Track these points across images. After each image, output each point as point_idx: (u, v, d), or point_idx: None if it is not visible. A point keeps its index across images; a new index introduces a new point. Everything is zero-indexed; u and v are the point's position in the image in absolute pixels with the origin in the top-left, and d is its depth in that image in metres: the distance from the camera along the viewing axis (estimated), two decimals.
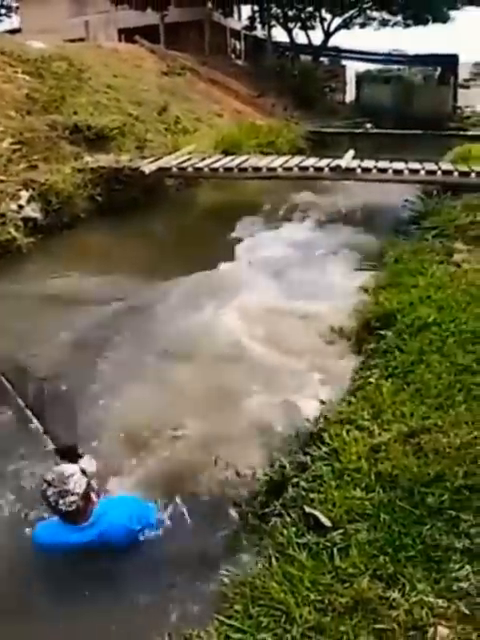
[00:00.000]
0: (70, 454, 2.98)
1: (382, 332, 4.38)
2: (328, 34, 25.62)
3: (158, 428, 3.71)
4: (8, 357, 4.59)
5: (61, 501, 2.73)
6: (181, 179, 10.32)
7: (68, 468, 2.83)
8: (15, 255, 7.06)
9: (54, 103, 10.99)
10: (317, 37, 26.17)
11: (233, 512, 3.00)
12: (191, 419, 3.79)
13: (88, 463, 2.93)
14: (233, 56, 25.54)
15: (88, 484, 2.82)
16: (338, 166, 9.50)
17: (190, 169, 9.61)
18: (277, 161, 10.15)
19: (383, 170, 9.45)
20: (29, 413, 3.93)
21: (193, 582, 2.63)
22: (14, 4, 29.64)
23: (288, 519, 2.57)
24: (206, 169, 9.68)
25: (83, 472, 2.82)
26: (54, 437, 3.62)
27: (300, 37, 25.97)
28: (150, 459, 3.47)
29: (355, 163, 9.75)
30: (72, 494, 2.74)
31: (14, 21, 29.37)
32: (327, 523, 2.49)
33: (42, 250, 7.30)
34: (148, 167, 9.08)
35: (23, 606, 2.69)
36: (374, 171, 9.49)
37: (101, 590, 2.64)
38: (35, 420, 3.85)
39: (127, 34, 22.12)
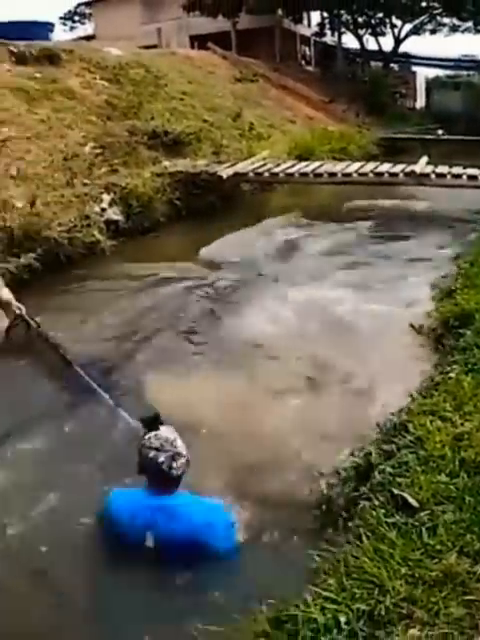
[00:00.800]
0: (154, 423, 2.90)
1: (461, 331, 4.50)
2: (398, 40, 25.32)
3: (241, 413, 3.83)
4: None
5: (174, 464, 2.69)
6: (256, 184, 10.37)
7: (169, 432, 2.80)
8: (98, 256, 7.22)
9: (132, 109, 11.25)
10: (387, 43, 25.98)
11: (323, 491, 3.11)
12: (276, 406, 3.94)
13: (171, 432, 2.86)
14: (303, 62, 25.56)
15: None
16: (413, 172, 9.48)
17: (266, 174, 9.67)
18: (352, 167, 10.10)
19: (457, 176, 9.48)
20: (100, 390, 4.10)
21: (286, 558, 2.76)
22: (88, 11, 30.55)
23: (376, 502, 2.68)
24: (282, 174, 9.73)
25: None
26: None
27: (370, 43, 25.85)
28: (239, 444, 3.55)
29: (429, 169, 9.79)
30: (182, 456, 2.72)
31: (88, 28, 30.27)
32: (415, 504, 2.61)
33: (123, 252, 7.43)
34: (225, 172, 9.16)
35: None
36: (449, 177, 9.51)
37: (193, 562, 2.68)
38: (107, 396, 4.03)
39: (198, 40, 22.47)
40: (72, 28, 32.94)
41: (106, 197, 8.07)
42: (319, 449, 3.48)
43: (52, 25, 16.24)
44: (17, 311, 4.96)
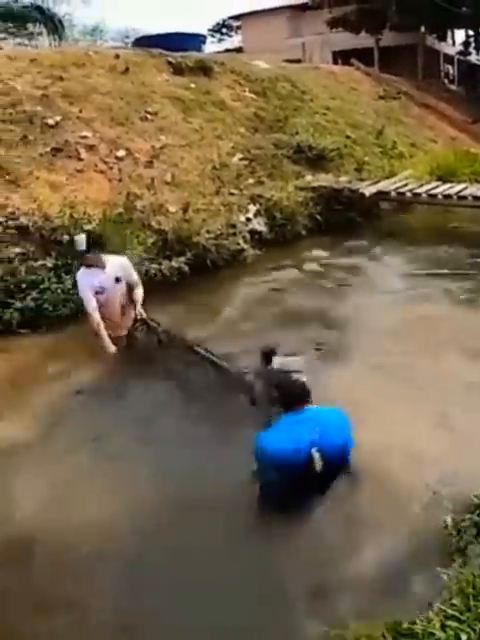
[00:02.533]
0: (271, 355, 3.30)
1: None
2: None
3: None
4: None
5: (298, 381, 3.08)
6: (394, 203, 10.29)
7: (289, 358, 3.24)
8: (241, 263, 7.49)
9: (278, 122, 11.51)
10: None
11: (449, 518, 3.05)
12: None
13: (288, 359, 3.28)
14: (446, 81, 24.96)
15: None
16: None
17: (408, 194, 9.58)
18: None
19: None
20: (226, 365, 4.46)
21: (411, 577, 2.79)
22: (235, 24, 31.51)
23: None
24: (424, 195, 9.60)
25: None
26: None
27: None
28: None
29: None
30: (302, 373, 3.09)
31: (235, 40, 31.21)
32: None
33: (265, 261, 7.65)
34: (368, 189, 9.19)
35: None
36: None
37: None
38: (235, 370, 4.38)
39: (341, 56, 22.55)
40: (220, 40, 34.13)
41: (252, 207, 8.34)
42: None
43: (205, 37, 16.90)
44: (140, 316, 5.26)
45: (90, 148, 8.36)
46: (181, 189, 8.25)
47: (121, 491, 3.44)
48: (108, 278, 5.15)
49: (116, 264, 5.25)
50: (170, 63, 11.97)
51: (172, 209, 7.62)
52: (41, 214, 6.60)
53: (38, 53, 10.56)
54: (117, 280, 5.21)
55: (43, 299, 5.68)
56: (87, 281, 5.09)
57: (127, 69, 10.83)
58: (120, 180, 7.82)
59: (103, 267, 5.11)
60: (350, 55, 20.88)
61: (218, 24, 34.84)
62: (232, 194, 8.61)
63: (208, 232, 7.34)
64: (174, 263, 6.62)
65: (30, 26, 22.53)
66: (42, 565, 2.98)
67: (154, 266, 6.48)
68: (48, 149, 7.94)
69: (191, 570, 2.88)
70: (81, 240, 5.11)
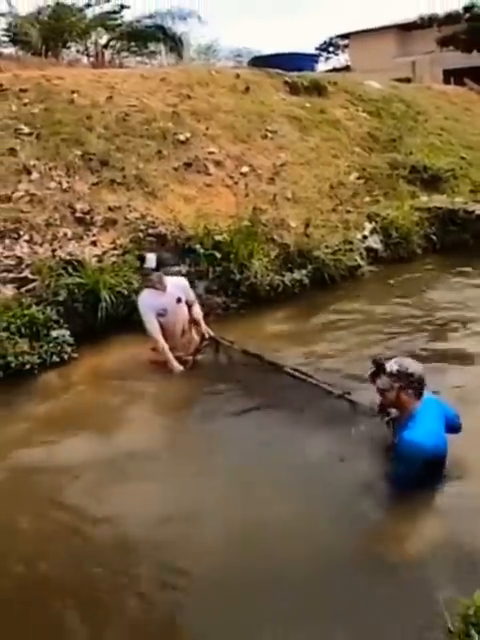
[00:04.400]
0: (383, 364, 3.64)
1: None
2: None
3: None
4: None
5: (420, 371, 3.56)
6: None
7: (406, 358, 3.72)
8: (357, 279, 7.94)
9: (392, 142, 11.91)
10: None
11: None
12: None
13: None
14: None
15: None
16: None
17: None
18: None
19: None
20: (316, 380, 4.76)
21: None
22: (342, 43, 32.18)
23: None
24: None
25: None
26: None
27: None
28: None
29: None
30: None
31: (341, 58, 31.84)
32: None
33: (380, 279, 8.07)
34: None
35: None
36: None
37: None
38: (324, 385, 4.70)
39: (451, 75, 22.64)
40: (327, 59, 34.86)
41: (368, 225, 8.79)
42: None
43: (318, 57, 17.57)
44: (206, 334, 5.57)
45: (217, 164, 9.08)
46: (300, 205, 8.81)
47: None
48: (170, 299, 5.37)
49: (176, 285, 5.49)
50: (286, 82, 12.65)
51: (293, 224, 8.18)
52: (177, 224, 7.33)
53: (166, 72, 11.48)
54: (178, 300, 5.44)
55: None
56: (149, 303, 5.30)
57: (247, 88, 11.57)
58: (246, 195, 8.47)
59: (165, 289, 5.35)
60: (462, 74, 20.97)
61: (325, 42, 35.61)
62: (349, 212, 9.10)
63: (327, 247, 7.85)
64: (296, 275, 7.16)
65: (150, 45, 24.09)
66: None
67: (277, 277, 7.05)
68: (180, 164, 8.72)
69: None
70: (151, 259, 5.36)
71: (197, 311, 5.66)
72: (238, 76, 11.96)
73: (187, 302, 5.55)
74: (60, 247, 6.65)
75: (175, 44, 22.74)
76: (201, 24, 28.98)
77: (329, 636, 2.69)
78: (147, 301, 5.33)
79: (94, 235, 6.98)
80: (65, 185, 7.63)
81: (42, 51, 18.29)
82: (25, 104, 8.90)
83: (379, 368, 3.64)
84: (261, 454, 4.14)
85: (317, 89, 12.82)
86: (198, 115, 10.12)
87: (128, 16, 23.00)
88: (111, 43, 23.27)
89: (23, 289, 5.96)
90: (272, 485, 3.75)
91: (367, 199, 9.58)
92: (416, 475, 3.45)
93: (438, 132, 13.21)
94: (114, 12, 23.01)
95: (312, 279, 7.47)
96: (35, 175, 7.61)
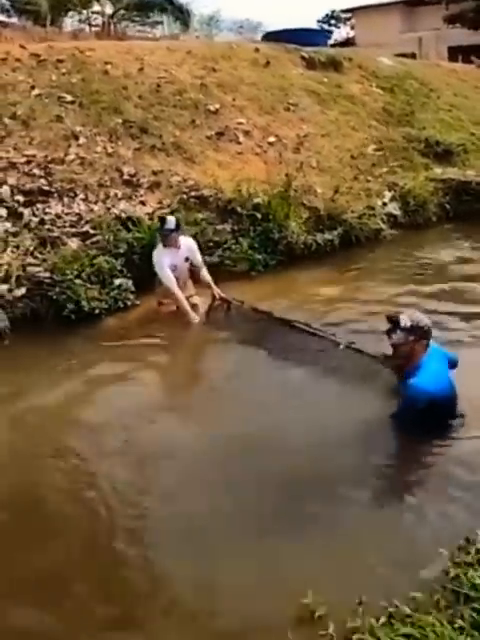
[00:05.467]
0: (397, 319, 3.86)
1: None
2: None
3: None
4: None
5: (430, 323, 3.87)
6: None
7: (417, 313, 3.96)
8: (380, 241, 8.79)
9: (406, 117, 12.68)
10: None
11: None
12: None
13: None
14: None
15: None
16: None
17: None
18: None
19: None
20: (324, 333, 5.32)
21: None
22: (343, 16, 32.72)
23: None
24: None
25: None
26: None
27: None
28: None
29: None
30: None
31: (342, 32, 32.39)
32: None
33: (400, 241, 8.91)
34: None
35: None
36: None
37: None
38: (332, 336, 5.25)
39: (456, 52, 23.35)
40: (329, 32, 35.33)
41: (387, 194, 9.59)
42: None
43: (330, 33, 18.25)
44: (218, 295, 6.18)
45: (246, 133, 9.84)
46: (325, 174, 9.59)
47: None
48: (180, 258, 6.08)
49: (186, 246, 6.17)
50: (303, 58, 13.35)
51: (319, 191, 8.97)
52: (217, 187, 8.09)
53: (191, 45, 12.17)
54: (186, 260, 6.16)
55: (225, 256, 7.15)
56: (165, 259, 5.96)
57: (268, 62, 12.27)
58: (280, 162, 9.25)
59: (179, 248, 6.06)
60: (467, 51, 21.70)
61: (327, 15, 36.10)
62: (368, 181, 9.89)
63: (352, 212, 8.66)
64: (328, 236, 7.98)
65: (151, 15, 24.56)
66: None
67: (311, 237, 7.86)
68: (213, 133, 9.47)
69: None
70: (171, 221, 6.04)
71: (205, 274, 6.30)
72: (257, 50, 12.65)
73: (192, 263, 6.23)
74: (113, 206, 7.40)
75: (181, 14, 23.34)
76: None
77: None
78: (162, 257, 6.00)
79: (142, 196, 7.73)
80: (110, 150, 8.37)
81: (46, 21, 18.82)
82: (63, 74, 9.60)
83: (394, 324, 3.83)
84: (277, 388, 4.78)
85: (333, 65, 13.53)
86: (224, 87, 10.84)
87: None
88: (114, 13, 23.64)
89: (88, 242, 6.71)
90: (285, 409, 4.36)
91: (385, 170, 10.36)
92: (422, 416, 3.74)
93: (448, 108, 13.97)
94: None
95: (341, 240, 8.28)
96: (82, 140, 8.34)
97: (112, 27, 21.60)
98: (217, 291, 6.26)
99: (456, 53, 23.30)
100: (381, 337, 4.15)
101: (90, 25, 24.88)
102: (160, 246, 6.08)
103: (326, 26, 36.96)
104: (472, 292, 6.68)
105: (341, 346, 5.09)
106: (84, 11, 24.34)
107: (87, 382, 5.05)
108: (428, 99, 13.78)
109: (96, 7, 23.88)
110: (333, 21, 36.47)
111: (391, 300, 6.40)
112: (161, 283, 6.12)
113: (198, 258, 6.29)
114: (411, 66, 15.85)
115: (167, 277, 5.95)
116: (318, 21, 36.02)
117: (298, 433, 4.02)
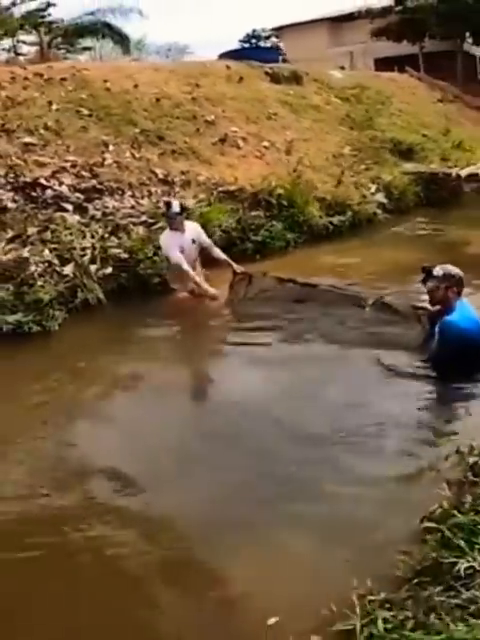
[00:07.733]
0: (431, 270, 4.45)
1: None
2: None
3: None
4: None
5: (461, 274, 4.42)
6: (473, 185, 13.40)
7: (448, 265, 4.48)
8: (374, 223, 10.64)
9: (367, 123, 14.71)
10: None
11: None
12: None
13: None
14: None
15: None
16: None
17: None
18: None
19: None
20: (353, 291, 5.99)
21: None
22: (264, 34, 35.26)
23: None
24: None
25: None
26: None
27: None
28: None
29: None
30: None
31: None
32: None
33: (391, 223, 10.81)
34: (462, 172, 12.39)
35: None
36: None
37: None
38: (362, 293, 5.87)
39: (382, 63, 26.02)
40: None
41: (373, 186, 11.47)
42: None
43: (283, 51, 20.38)
44: (238, 270, 6.61)
45: (243, 139, 11.51)
46: (318, 171, 11.38)
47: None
48: (187, 240, 6.52)
49: (191, 229, 6.65)
50: (267, 73, 15.24)
51: (318, 185, 10.73)
52: (237, 184, 9.70)
53: (171, 65, 13.83)
54: (193, 242, 6.59)
55: (266, 235, 8.75)
56: (172, 241, 6.46)
57: (241, 78, 14.05)
58: (287, 160, 10.99)
59: (184, 231, 6.52)
60: (391, 62, 24.30)
61: (247, 35, 38.52)
62: (353, 176, 11.74)
63: (351, 200, 10.48)
64: (342, 218, 9.78)
65: (81, 42, 26.05)
66: None
67: (328, 220, 9.63)
68: (216, 139, 11.08)
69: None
70: (176, 205, 6.56)
71: (219, 252, 6.82)
72: (228, 67, 14.42)
73: (201, 245, 6.75)
74: (158, 200, 8.86)
75: (121, 38, 25.00)
76: (133, 19, 31.03)
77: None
78: (170, 240, 6.52)
79: (177, 192, 9.23)
80: (137, 155, 9.84)
81: None
82: (70, 91, 11.00)
83: (428, 274, 4.42)
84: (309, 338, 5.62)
85: (295, 79, 15.50)
86: (212, 100, 12.49)
87: (61, 13, 24.74)
88: (51, 41, 24.86)
89: (152, 228, 8.12)
90: (318, 363, 5.10)
91: (363, 167, 12.25)
92: (455, 358, 4.15)
93: (399, 114, 16.20)
94: (41, 10, 24.52)
95: (348, 223, 10.08)
96: (111, 147, 9.78)
97: (48, 53, 22.88)
98: (236, 266, 6.70)
99: (382, 64, 25.94)
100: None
101: (16, 53, 25.80)
102: (167, 230, 6.68)
103: (246, 45, 39.45)
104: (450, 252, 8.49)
105: (370, 302, 5.55)
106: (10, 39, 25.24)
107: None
108: (382, 106, 15.95)
109: (22, 36, 24.93)
110: (254, 40, 38.95)
111: (397, 262, 8.15)
112: (169, 267, 6.80)
113: (205, 239, 6.80)
114: (358, 78, 18.06)
115: (177, 257, 6.40)
116: (240, 40, 38.44)
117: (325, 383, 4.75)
